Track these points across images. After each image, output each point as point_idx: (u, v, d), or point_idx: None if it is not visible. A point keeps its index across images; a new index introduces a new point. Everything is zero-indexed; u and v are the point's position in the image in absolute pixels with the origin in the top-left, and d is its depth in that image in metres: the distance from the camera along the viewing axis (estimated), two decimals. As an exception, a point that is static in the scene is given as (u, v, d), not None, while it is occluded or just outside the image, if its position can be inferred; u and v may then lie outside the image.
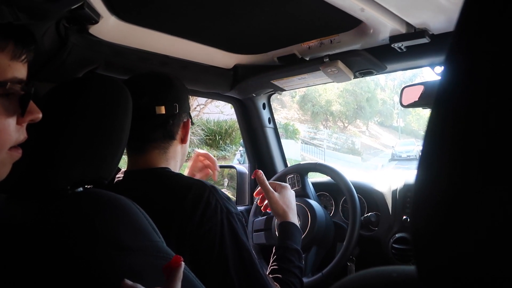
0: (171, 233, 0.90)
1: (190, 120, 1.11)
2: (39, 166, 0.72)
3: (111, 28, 1.09)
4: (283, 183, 1.31)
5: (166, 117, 1.04)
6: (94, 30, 1.07)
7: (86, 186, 0.81)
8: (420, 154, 0.26)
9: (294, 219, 1.22)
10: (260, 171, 1.27)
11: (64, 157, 0.77)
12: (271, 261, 1.13)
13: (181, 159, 1.12)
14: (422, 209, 0.26)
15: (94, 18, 1.01)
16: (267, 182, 1.25)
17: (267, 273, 1.09)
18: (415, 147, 25.93)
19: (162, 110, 1.02)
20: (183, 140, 1.10)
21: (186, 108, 1.09)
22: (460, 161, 0.23)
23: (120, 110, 0.87)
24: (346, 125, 31.61)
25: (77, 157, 0.78)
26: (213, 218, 0.92)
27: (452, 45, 0.24)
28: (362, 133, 32.58)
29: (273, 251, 1.16)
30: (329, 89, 28.67)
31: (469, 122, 0.22)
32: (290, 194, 1.26)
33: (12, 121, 0.61)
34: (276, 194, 1.24)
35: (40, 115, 0.66)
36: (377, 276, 0.37)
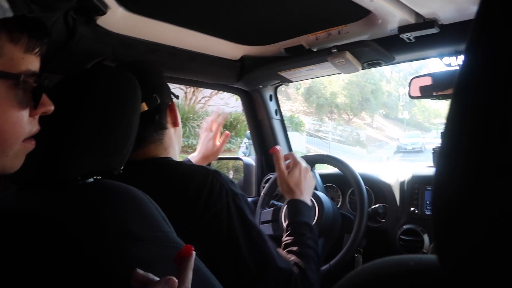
0: (178, 222, 0.90)
1: (173, 102, 1.09)
2: (49, 157, 0.72)
3: (118, 19, 1.08)
4: (299, 160, 1.29)
5: (151, 113, 1.01)
6: (102, 21, 1.07)
7: (96, 177, 0.82)
8: (441, 142, 0.27)
9: (302, 196, 1.22)
10: (279, 148, 1.29)
11: (74, 148, 0.77)
12: (283, 239, 1.14)
13: (178, 143, 1.11)
14: (442, 196, 0.26)
15: (102, 9, 1.00)
16: (281, 161, 1.27)
17: (281, 249, 1.09)
18: (421, 139, 25.83)
19: (144, 107, 0.99)
20: (174, 124, 1.08)
21: (166, 93, 1.07)
22: (479, 150, 0.23)
23: (129, 100, 0.87)
24: (351, 117, 31.51)
25: (87, 148, 0.78)
26: (218, 201, 0.92)
27: (472, 35, 0.24)
28: (367, 125, 32.49)
29: (284, 229, 1.17)
30: (334, 81, 28.55)
31: (487, 111, 0.23)
32: (300, 173, 1.26)
33: (25, 113, 0.62)
34: (285, 173, 1.25)
35: (53, 108, 0.66)
36: (394, 265, 0.37)
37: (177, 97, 1.14)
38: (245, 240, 0.92)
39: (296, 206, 1.20)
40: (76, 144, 0.77)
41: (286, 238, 1.13)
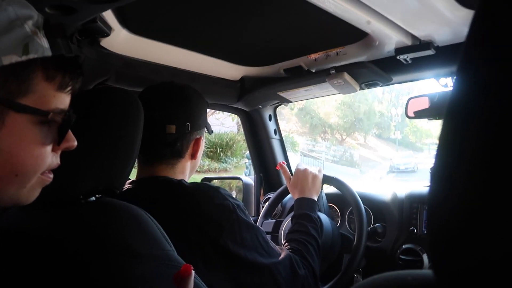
0: (186, 235, 0.92)
1: (202, 137, 1.09)
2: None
3: (122, 40, 1.10)
4: (299, 166, 1.46)
5: (176, 137, 1.02)
6: (105, 42, 1.08)
7: (98, 196, 0.82)
8: (434, 164, 0.26)
9: (306, 194, 1.36)
10: (283, 162, 1.54)
11: (77, 167, 0.77)
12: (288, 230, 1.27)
13: (190, 174, 1.11)
14: (437, 216, 0.26)
15: (106, 31, 1.02)
16: (287, 172, 1.49)
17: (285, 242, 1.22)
18: (413, 159, 25.93)
19: (173, 129, 1.01)
20: (193, 156, 1.08)
21: (200, 125, 1.07)
22: (472, 171, 0.23)
23: (131, 121, 0.87)
24: (344, 137, 31.66)
25: (90, 167, 0.79)
26: (229, 217, 0.96)
27: (463, 57, 0.25)
28: (360, 146, 32.61)
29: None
30: (327, 102, 28.80)
31: (479, 132, 0.23)
32: (300, 176, 1.41)
33: (48, 148, 0.62)
34: (291, 181, 1.43)
35: (75, 144, 0.66)
36: (392, 280, 0.37)
37: (210, 132, 1.14)
38: (255, 245, 0.99)
39: (300, 202, 1.34)
40: (79, 164, 0.78)
41: (290, 230, 1.26)
